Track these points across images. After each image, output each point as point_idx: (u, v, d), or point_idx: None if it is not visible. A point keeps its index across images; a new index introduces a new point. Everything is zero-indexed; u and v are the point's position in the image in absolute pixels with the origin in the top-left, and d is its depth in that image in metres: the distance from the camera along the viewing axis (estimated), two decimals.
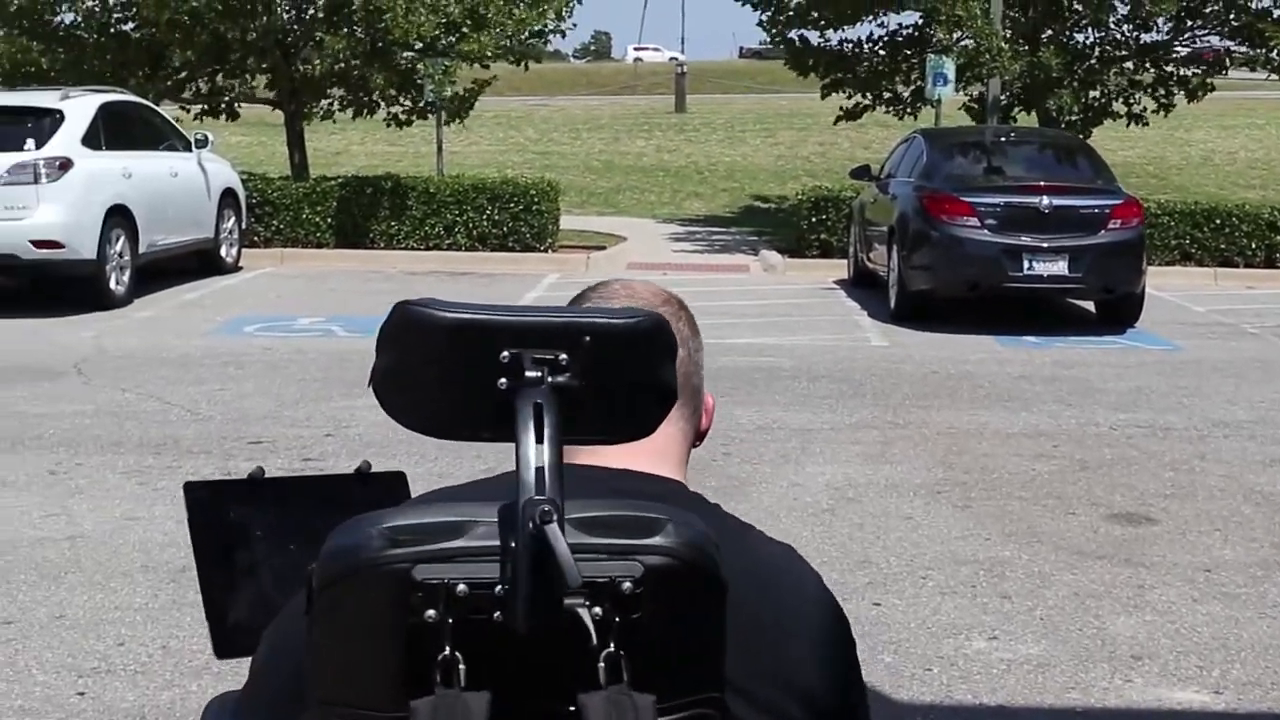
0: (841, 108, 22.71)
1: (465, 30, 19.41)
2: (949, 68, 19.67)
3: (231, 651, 1.95)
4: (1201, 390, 10.61)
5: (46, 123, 13.50)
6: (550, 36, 21.97)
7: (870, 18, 22.04)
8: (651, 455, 1.76)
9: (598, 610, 1.35)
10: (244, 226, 17.48)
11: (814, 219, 18.75)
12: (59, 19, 19.47)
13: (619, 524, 1.41)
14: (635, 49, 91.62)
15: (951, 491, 7.59)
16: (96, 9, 19.20)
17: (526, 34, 20.51)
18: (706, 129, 36.33)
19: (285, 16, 19.96)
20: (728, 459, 8.22)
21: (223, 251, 16.71)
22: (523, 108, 41.85)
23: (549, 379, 1.42)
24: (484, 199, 18.75)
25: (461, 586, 1.35)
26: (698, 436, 1.90)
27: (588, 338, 1.45)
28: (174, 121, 16.93)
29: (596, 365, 1.45)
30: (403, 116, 20.88)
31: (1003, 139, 16.21)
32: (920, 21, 21.78)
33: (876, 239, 15.21)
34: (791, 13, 21.88)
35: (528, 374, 1.41)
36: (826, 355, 11.84)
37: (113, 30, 19.36)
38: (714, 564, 1.43)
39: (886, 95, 22.35)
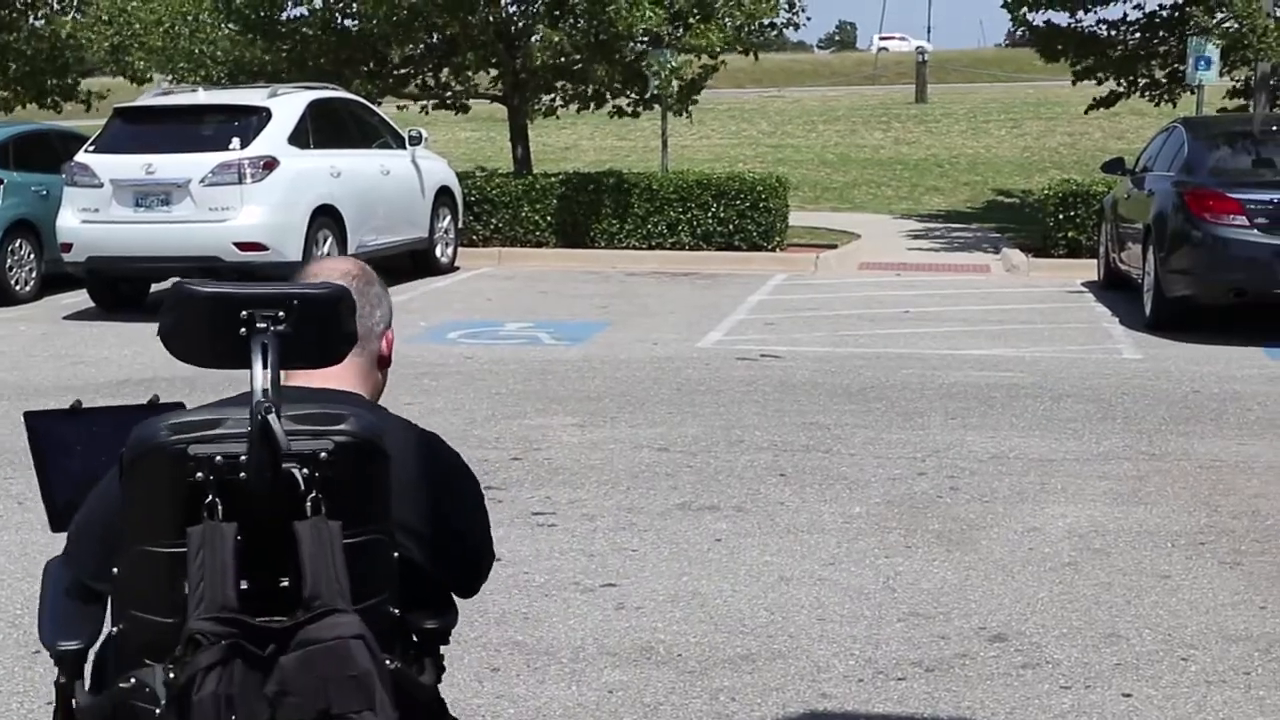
0: (1095, 97, 21.36)
1: (692, 21, 18.71)
2: (1212, 50, 18.20)
3: (61, 527, 2.82)
4: None
5: (253, 121, 13.20)
6: (788, 23, 21.12)
7: None
8: (339, 376, 2.75)
9: (305, 471, 2.34)
10: (460, 225, 17.05)
11: (1061, 215, 17.48)
12: (285, 14, 19.34)
13: (318, 418, 2.41)
14: (880, 38, 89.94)
15: (1217, 542, 6.53)
16: (320, 4, 19.03)
17: (757, 25, 19.71)
18: (948, 120, 34.99)
19: (509, 10, 19.53)
20: (955, 495, 7.29)
21: (437, 251, 16.30)
22: (757, 99, 41.05)
23: (271, 329, 2.36)
24: (709, 196, 17.99)
25: (219, 458, 2.32)
26: (381, 361, 2.92)
27: (296, 301, 2.39)
28: (388, 118, 16.56)
29: (302, 319, 2.39)
30: (628, 108, 20.29)
31: (1274, 128, 14.78)
32: (1178, 1, 20.31)
33: (1130, 238, 13.99)
34: None
35: (258, 325, 2.35)
36: (1073, 369, 10.76)
37: (336, 27, 19.15)
38: (380, 441, 2.45)
39: (1142, 80, 20.91)
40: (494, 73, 20.16)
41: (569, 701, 4.75)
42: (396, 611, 2.59)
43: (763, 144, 31.83)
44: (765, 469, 7.77)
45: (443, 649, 2.74)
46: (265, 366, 2.34)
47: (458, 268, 16.77)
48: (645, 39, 18.69)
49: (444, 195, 16.44)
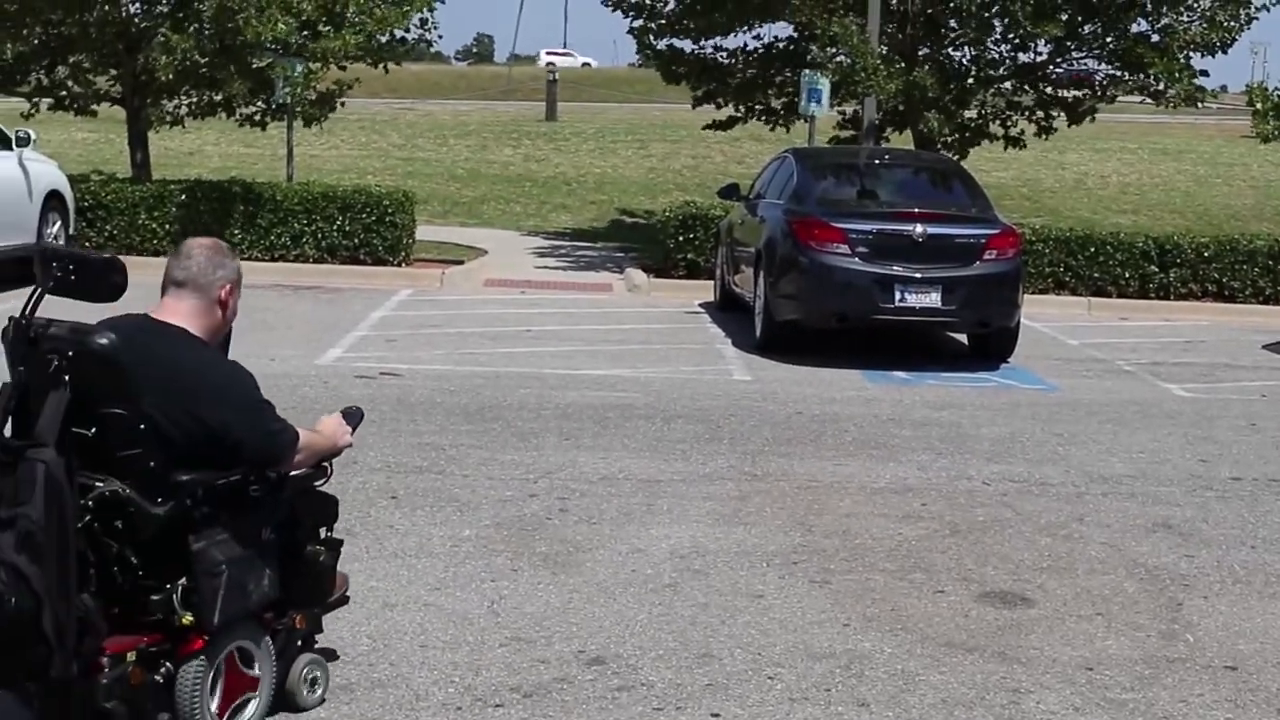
0: (714, 119, 22.03)
1: (321, 30, 18.43)
2: (823, 84, 19.02)
3: None
4: (1078, 438, 9.98)
5: None
6: (420, 39, 21.15)
7: (744, 29, 21.35)
8: (178, 312, 4.49)
9: (59, 361, 4.14)
10: (72, 232, 16.31)
11: (681, 237, 17.96)
12: None
13: (79, 330, 4.22)
14: (548, 54, 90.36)
15: (809, 562, 6.81)
16: None
17: (387, 35, 19.53)
18: (577, 138, 35.51)
19: (130, 10, 18.82)
20: (564, 516, 7.39)
21: None
22: (389, 111, 40.75)
23: (67, 276, 4.30)
24: (334, 208, 17.75)
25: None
26: (221, 305, 4.60)
27: (71, 265, 4.33)
28: None
29: (83, 276, 4.34)
30: (256, 117, 19.84)
31: (877, 161, 15.55)
32: (795, 35, 21.16)
33: (744, 262, 14.47)
34: (663, 20, 21.16)
35: (53, 275, 4.29)
36: (685, 390, 11.05)
37: None
38: (107, 349, 4.18)
39: (759, 108, 21.69)
40: (114, 73, 19.40)
41: None
42: (153, 464, 4.28)
43: (393, 156, 31.59)
44: (377, 491, 7.70)
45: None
46: (38, 299, 4.30)
47: None
48: (275, 46, 18.28)
49: (54, 199, 15.70)
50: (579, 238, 22.60)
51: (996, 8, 19.98)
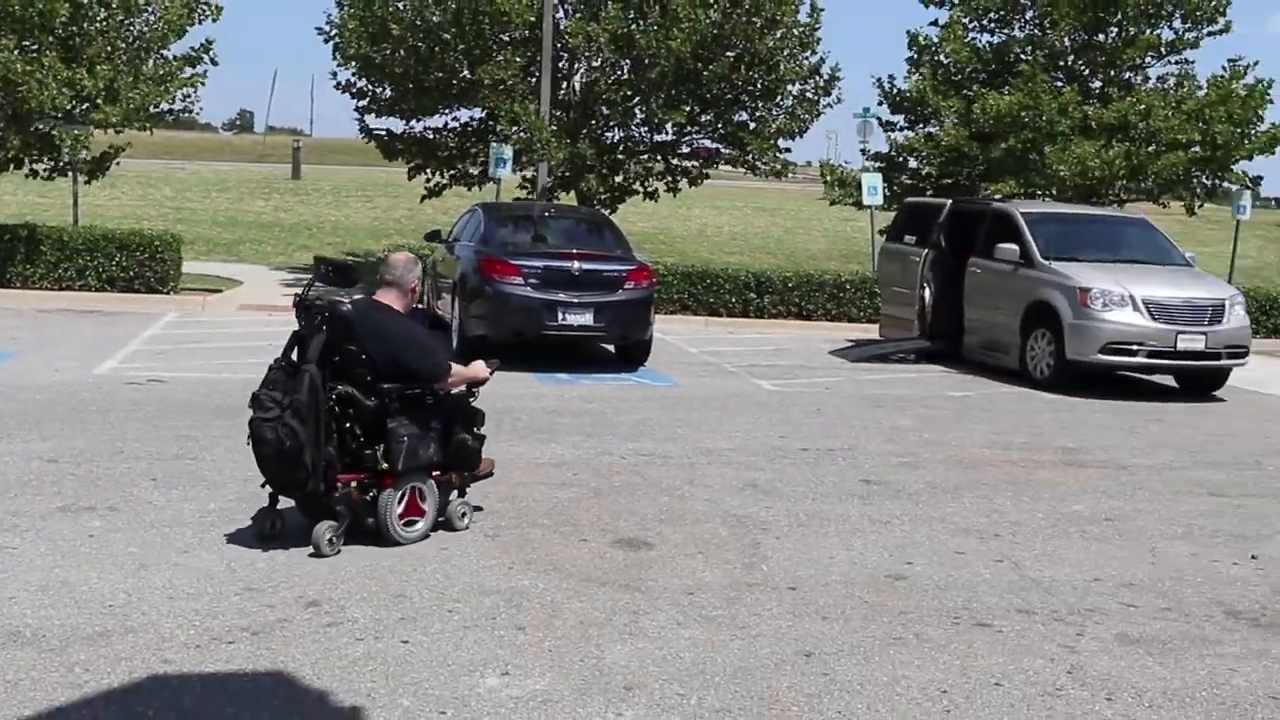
0: (426, 187, 21.84)
1: (99, 103, 17.44)
2: (508, 153, 19.05)
3: None
4: (693, 421, 10.25)
5: None
6: (184, 110, 20.21)
7: (446, 110, 21.22)
8: (389, 296, 6.21)
9: (319, 317, 5.86)
10: None
11: None
12: None
13: (333, 303, 6.00)
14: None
15: (484, 520, 6.79)
16: None
17: (153, 107, 18.59)
18: (317, 193, 34.62)
19: None
20: None
21: None
22: (164, 169, 38.85)
23: (329, 274, 6.19)
24: (114, 247, 16.86)
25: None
26: (411, 294, 6.27)
27: (331, 268, 6.20)
28: None
29: (338, 275, 6.18)
30: (43, 173, 18.62)
31: (546, 214, 15.63)
32: (485, 116, 21.13)
33: (444, 290, 14.38)
34: (382, 103, 20.83)
35: (322, 273, 6.22)
36: None
37: None
38: (345, 314, 5.94)
39: (459, 174, 21.57)
40: None
41: None
42: (369, 378, 5.80)
43: (166, 205, 30.16)
44: (140, 475, 7.33)
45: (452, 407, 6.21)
46: (313, 285, 5.95)
47: None
48: (57, 114, 17.21)
49: None
50: None
51: (637, 100, 20.39)
